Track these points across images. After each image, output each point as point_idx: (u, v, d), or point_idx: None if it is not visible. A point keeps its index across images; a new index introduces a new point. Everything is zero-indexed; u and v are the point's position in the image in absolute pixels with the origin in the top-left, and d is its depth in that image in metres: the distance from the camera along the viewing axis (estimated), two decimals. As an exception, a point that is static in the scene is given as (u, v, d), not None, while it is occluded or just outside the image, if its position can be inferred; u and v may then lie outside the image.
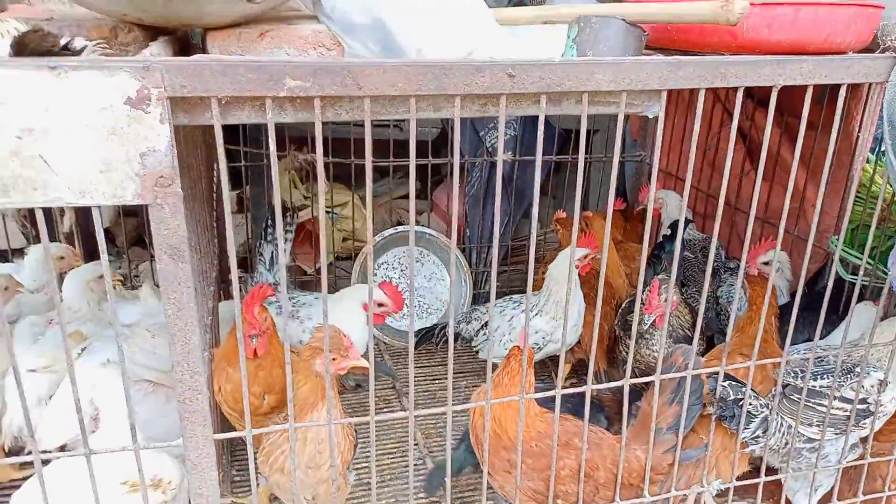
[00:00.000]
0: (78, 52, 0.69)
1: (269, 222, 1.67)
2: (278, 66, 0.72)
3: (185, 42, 1.05)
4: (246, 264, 2.00)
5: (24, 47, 0.66)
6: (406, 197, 2.94)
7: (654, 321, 1.34)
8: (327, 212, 2.57)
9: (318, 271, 2.30)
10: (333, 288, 1.72)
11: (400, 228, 2.21)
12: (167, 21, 0.92)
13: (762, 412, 1.15)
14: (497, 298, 1.74)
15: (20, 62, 0.65)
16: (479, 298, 2.23)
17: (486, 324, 1.65)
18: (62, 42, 0.67)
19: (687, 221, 1.91)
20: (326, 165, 2.32)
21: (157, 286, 1.57)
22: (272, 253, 1.67)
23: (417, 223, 2.72)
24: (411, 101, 0.77)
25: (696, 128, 0.88)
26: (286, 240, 1.75)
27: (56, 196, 0.70)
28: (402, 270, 2.17)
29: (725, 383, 1.10)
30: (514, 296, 1.66)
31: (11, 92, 0.65)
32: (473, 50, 0.94)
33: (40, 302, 1.61)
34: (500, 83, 0.78)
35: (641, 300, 1.08)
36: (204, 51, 1.02)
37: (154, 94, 0.69)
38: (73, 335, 1.28)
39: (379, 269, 2.14)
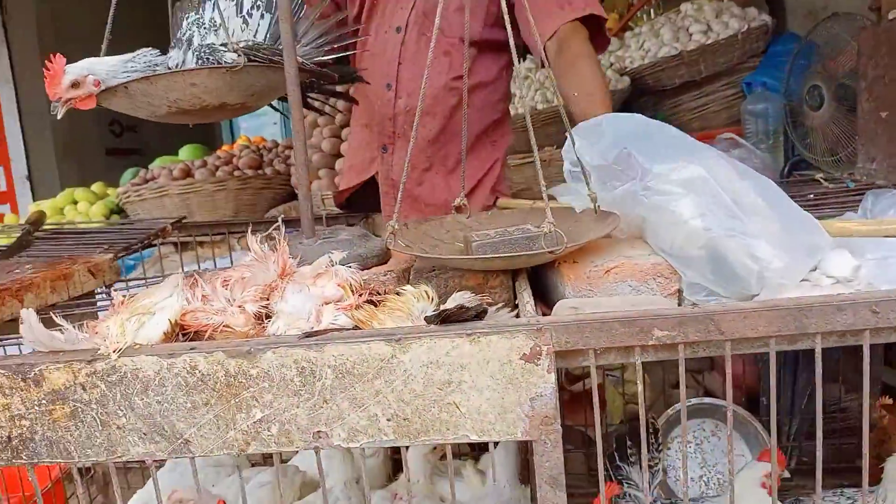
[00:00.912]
0: (482, 316, 0.85)
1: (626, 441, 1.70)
2: (647, 320, 0.81)
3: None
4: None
5: (447, 318, 0.83)
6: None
7: None
8: (609, 375, 2.61)
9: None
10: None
11: (694, 400, 2.17)
12: (490, 267, 1.07)
13: None
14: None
15: (447, 331, 0.82)
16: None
17: (815, 520, 1.52)
18: (472, 312, 0.83)
19: None
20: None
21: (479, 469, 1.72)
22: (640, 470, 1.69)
23: (697, 384, 2.65)
24: (771, 341, 0.81)
25: None
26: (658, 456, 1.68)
27: (463, 434, 0.85)
28: (697, 444, 2.10)
29: None
30: (845, 490, 1.52)
31: (440, 354, 0.81)
32: (812, 268, 0.97)
33: (375, 465, 1.83)
34: (864, 319, 0.79)
35: None
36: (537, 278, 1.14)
37: (544, 350, 0.81)
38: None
39: (672, 442, 2.10)
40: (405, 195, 1.80)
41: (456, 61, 1.73)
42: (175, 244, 2.19)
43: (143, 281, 1.66)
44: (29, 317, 0.80)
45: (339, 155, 2.56)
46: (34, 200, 5.49)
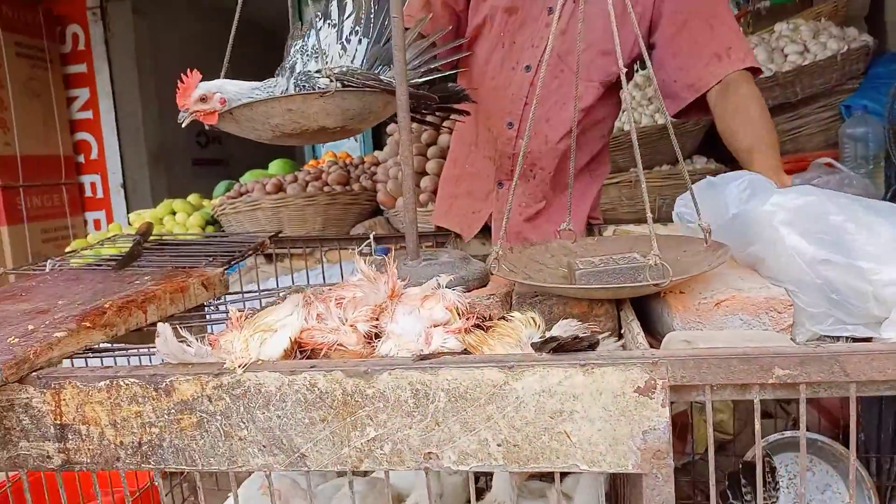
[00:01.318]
0: (594, 346, 0.85)
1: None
2: (767, 358, 0.79)
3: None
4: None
5: (560, 348, 0.83)
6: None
7: None
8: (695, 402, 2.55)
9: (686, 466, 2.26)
10: None
11: (787, 434, 2.09)
12: (592, 296, 1.05)
13: None
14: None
15: (560, 360, 0.82)
16: (888, 519, 1.96)
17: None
18: (586, 343, 0.84)
19: None
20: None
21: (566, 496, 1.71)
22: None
23: (787, 414, 2.55)
24: (901, 385, 0.79)
25: None
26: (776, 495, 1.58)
27: (572, 463, 0.85)
28: (790, 479, 2.02)
29: None
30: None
31: (552, 383, 0.82)
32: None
33: (458, 483, 1.84)
34: None
35: None
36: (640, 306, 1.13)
37: (659, 384, 0.81)
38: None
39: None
40: (513, 231, 1.83)
41: (581, 102, 1.73)
42: (269, 256, 2.27)
43: (241, 295, 1.73)
44: (165, 331, 0.85)
45: (423, 173, 2.60)
46: (128, 208, 5.79)
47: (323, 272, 2.37)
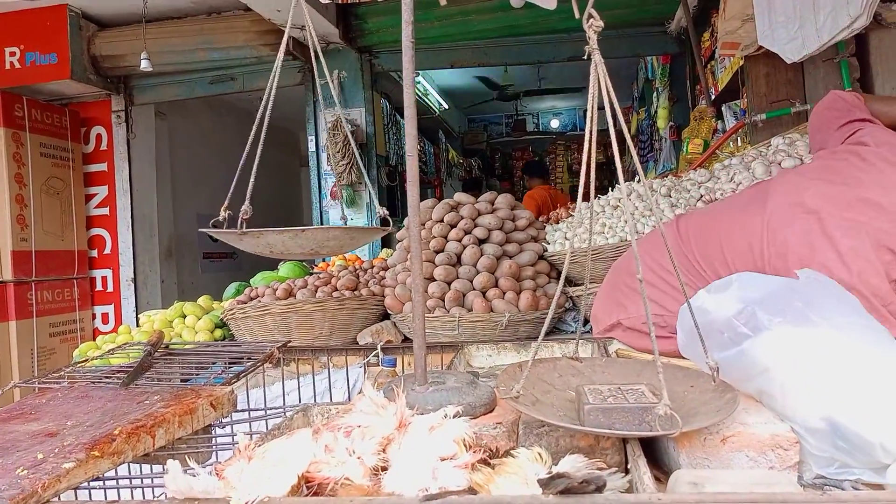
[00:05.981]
0: (601, 489, 0.85)
1: None
2: (775, 506, 0.79)
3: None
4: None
5: (568, 491, 0.83)
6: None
7: None
8: None
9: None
10: None
11: None
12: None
13: None
14: None
15: (566, 505, 0.82)
16: None
17: None
18: (593, 487, 0.84)
19: None
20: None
21: None
22: None
23: None
24: (910, 537, 0.78)
25: None
26: None
27: None
28: None
29: None
30: None
31: (558, 529, 0.81)
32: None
33: None
34: None
35: None
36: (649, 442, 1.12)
37: (666, 531, 0.80)
38: None
39: None
40: None
41: None
42: (276, 362, 2.28)
43: (248, 414, 1.72)
44: (174, 468, 0.85)
45: (431, 279, 2.64)
46: (137, 302, 5.84)
47: (329, 377, 2.38)
